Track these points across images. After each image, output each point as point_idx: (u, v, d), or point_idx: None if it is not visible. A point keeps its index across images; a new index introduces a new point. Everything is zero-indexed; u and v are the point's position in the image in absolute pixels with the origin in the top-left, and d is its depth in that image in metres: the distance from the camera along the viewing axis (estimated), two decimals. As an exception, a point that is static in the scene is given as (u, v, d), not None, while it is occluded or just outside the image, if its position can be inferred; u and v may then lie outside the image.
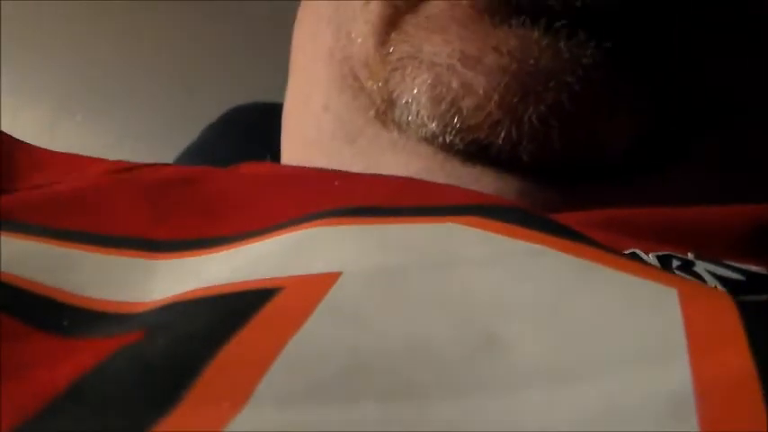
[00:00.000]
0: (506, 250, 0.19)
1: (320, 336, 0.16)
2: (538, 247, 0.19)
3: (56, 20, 0.93)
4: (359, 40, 0.31)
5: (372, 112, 0.31)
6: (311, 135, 0.33)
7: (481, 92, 0.27)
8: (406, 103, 0.29)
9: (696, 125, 0.30)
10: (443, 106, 0.28)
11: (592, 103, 0.27)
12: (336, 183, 0.26)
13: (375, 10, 0.30)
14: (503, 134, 0.27)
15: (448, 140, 0.28)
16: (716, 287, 0.20)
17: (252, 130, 0.54)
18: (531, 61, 0.27)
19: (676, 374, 0.14)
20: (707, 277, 0.21)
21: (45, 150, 0.30)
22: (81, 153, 0.32)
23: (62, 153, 0.30)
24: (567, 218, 0.23)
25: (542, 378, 0.15)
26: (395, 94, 0.29)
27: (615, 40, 0.27)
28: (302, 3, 0.36)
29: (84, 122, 0.94)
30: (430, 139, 0.29)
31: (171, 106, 0.93)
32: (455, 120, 0.28)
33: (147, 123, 0.93)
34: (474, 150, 0.28)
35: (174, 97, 0.93)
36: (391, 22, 0.30)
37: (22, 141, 0.31)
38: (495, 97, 0.27)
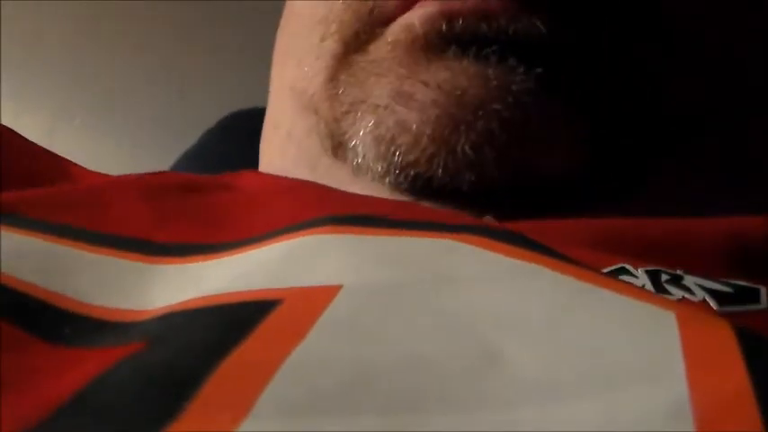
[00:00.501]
0: (505, 268, 0.19)
1: (321, 349, 0.16)
2: (535, 266, 0.19)
3: (56, 24, 0.93)
4: (310, 75, 0.32)
5: (327, 144, 0.31)
6: (278, 162, 0.34)
7: (414, 128, 0.28)
8: (354, 146, 0.30)
9: (655, 147, 0.30)
10: (383, 146, 0.29)
11: (524, 130, 0.28)
12: (335, 196, 0.26)
13: (329, 48, 0.31)
14: (440, 166, 0.28)
15: (393, 180, 0.29)
16: (704, 299, 0.21)
17: (250, 135, 0.54)
18: (458, 92, 0.27)
19: (674, 392, 0.14)
20: (696, 290, 0.21)
21: (64, 159, 0.31)
22: (80, 157, 0.32)
23: (82, 168, 0.31)
24: (555, 229, 0.24)
25: (541, 393, 0.15)
26: (346, 137, 0.30)
27: (546, 66, 0.28)
28: (278, 32, 0.37)
29: (83, 126, 0.94)
30: (378, 180, 0.29)
31: (169, 111, 0.93)
32: (395, 158, 0.28)
33: (146, 128, 0.93)
34: (419, 186, 0.29)
35: (173, 102, 0.93)
36: (342, 60, 0.31)
37: (42, 147, 0.31)
38: (428, 131, 0.28)
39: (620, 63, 0.29)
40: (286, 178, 0.32)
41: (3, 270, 0.19)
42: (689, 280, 0.21)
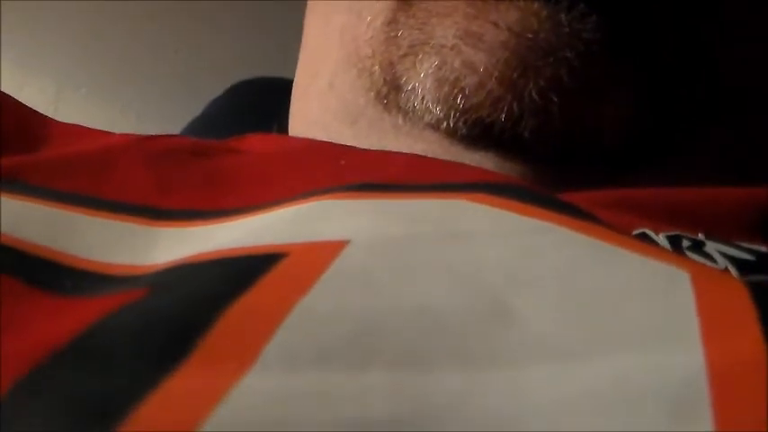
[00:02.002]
0: (517, 226, 0.19)
1: (328, 300, 0.15)
2: (548, 224, 0.19)
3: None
4: (368, 18, 0.30)
5: (373, 94, 0.30)
6: (315, 114, 0.33)
7: (482, 69, 0.27)
8: (413, 88, 0.28)
9: (704, 114, 0.29)
10: (447, 88, 0.27)
11: (590, 81, 0.27)
12: (343, 161, 0.26)
13: None
14: (504, 111, 0.27)
15: (452, 124, 0.28)
16: (726, 268, 0.20)
17: (257, 104, 0.53)
18: (530, 35, 0.27)
19: (688, 356, 0.14)
20: (717, 257, 0.20)
21: (59, 122, 0.30)
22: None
23: (76, 125, 0.30)
24: (576, 197, 0.23)
25: (552, 352, 0.14)
26: (402, 80, 0.29)
27: (616, 16, 0.27)
28: None
29: (88, 96, 0.94)
30: (434, 125, 0.28)
31: (175, 80, 0.92)
32: (458, 100, 0.27)
33: (152, 97, 0.93)
34: (477, 132, 0.28)
35: (179, 71, 0.93)
36: (402, 1, 0.29)
37: (39, 113, 0.30)
38: (496, 74, 0.27)
39: (677, 27, 0.28)
40: (294, 138, 0.32)
41: (3, 231, 0.19)
42: (710, 246, 0.21)
